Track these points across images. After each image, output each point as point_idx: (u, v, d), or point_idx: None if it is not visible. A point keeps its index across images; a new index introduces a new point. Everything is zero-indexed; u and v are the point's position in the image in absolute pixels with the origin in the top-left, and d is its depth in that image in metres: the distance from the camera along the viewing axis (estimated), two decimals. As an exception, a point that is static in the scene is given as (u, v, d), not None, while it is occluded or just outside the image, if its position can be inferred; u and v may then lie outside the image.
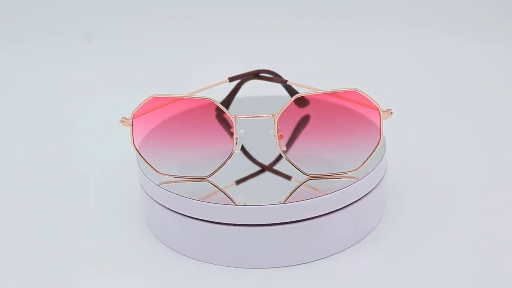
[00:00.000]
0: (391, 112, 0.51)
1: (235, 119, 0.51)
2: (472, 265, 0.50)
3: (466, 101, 0.74)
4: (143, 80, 0.82)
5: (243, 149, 0.55)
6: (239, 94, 0.60)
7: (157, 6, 0.90)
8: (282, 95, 0.61)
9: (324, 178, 0.51)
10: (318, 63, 0.83)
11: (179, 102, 0.53)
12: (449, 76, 0.80)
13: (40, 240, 0.54)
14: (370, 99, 0.50)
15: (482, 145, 0.65)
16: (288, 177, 0.52)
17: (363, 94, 0.50)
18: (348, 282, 0.49)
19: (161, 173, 0.52)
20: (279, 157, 0.54)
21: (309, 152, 0.54)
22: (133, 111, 0.52)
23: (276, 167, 0.54)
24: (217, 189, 0.51)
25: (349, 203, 0.50)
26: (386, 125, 0.52)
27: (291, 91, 0.60)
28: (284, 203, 0.49)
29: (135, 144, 0.52)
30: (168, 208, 0.51)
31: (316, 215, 0.49)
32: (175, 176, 0.52)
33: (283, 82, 0.59)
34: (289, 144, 0.54)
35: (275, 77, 0.60)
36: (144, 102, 0.52)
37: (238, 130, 0.51)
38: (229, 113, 0.51)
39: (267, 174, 0.54)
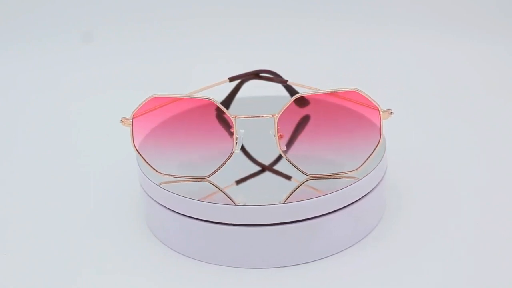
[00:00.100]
0: (391, 112, 0.51)
1: (235, 119, 0.51)
2: (472, 265, 0.50)
3: (466, 101, 0.74)
4: (143, 80, 0.82)
5: (243, 149, 0.55)
6: (239, 94, 0.60)
7: (157, 6, 0.90)
8: (282, 95, 0.61)
9: (324, 178, 0.51)
10: (318, 63, 0.83)
11: (179, 102, 0.53)
12: (449, 76, 0.80)
13: (40, 240, 0.54)
14: (370, 99, 0.50)
15: (482, 145, 0.65)
16: (288, 177, 0.52)
17: (363, 94, 0.50)
18: (348, 282, 0.49)
19: (161, 173, 0.52)
20: (279, 157, 0.54)
21: (309, 152, 0.54)
22: (133, 111, 0.52)
23: (276, 167, 0.54)
24: (217, 189, 0.51)
25: (349, 203, 0.50)
26: (386, 125, 0.52)
27: (291, 91, 0.60)
28: (284, 203, 0.49)
29: (135, 144, 0.52)
30: (168, 208, 0.51)
31: (316, 215, 0.49)
32: (175, 176, 0.52)
33: (283, 82, 0.59)
34: (289, 144, 0.54)
35: (275, 77, 0.60)
36: (144, 102, 0.52)
37: (238, 130, 0.51)
38: (229, 113, 0.51)
39: (267, 174, 0.54)
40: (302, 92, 0.52)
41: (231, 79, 0.60)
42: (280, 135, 0.51)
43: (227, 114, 0.51)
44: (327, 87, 0.53)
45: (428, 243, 0.52)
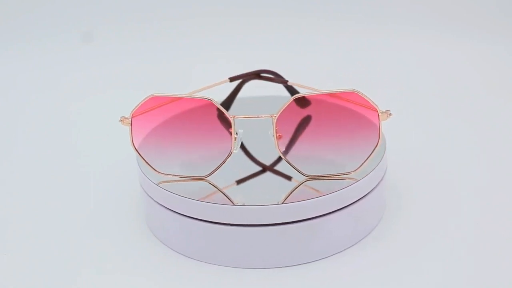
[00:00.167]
0: (389, 114, 0.51)
1: (233, 119, 0.51)
2: (472, 265, 0.50)
3: (466, 101, 0.74)
4: (143, 80, 0.82)
5: (244, 149, 0.55)
6: (240, 94, 0.60)
7: (157, 6, 0.90)
8: (284, 95, 0.61)
9: (322, 179, 0.51)
10: (318, 63, 0.83)
11: (178, 102, 0.53)
12: (449, 76, 0.80)
13: (40, 240, 0.54)
14: (368, 100, 0.50)
15: (482, 145, 0.65)
16: (289, 178, 0.52)
17: (361, 95, 0.50)
18: (348, 282, 0.49)
19: (159, 172, 0.52)
20: (280, 157, 0.54)
21: (308, 153, 0.54)
22: (132, 110, 0.52)
23: (277, 168, 0.54)
24: (216, 189, 0.51)
25: (349, 203, 0.50)
26: (386, 125, 0.52)
27: (292, 91, 0.60)
28: (282, 203, 0.49)
29: (134, 144, 0.52)
30: (168, 208, 0.51)
31: (316, 215, 0.49)
32: (174, 176, 0.52)
33: (284, 83, 0.59)
34: (288, 144, 0.54)
35: (276, 78, 0.60)
36: (143, 102, 0.52)
37: (237, 130, 0.51)
38: (227, 113, 0.51)
39: (268, 174, 0.54)
40: (301, 92, 0.52)
41: (232, 79, 0.60)
42: (279, 135, 0.51)
43: (226, 114, 0.51)
44: (327, 87, 0.53)
45: (428, 243, 0.52)
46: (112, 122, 0.58)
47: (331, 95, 0.52)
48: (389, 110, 0.51)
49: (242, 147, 0.55)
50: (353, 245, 0.52)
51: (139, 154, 0.52)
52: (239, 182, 0.53)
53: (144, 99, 0.51)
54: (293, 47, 0.87)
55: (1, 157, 0.68)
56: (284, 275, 0.49)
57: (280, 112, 0.51)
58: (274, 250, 0.49)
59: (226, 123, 0.52)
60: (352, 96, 0.51)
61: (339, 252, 0.51)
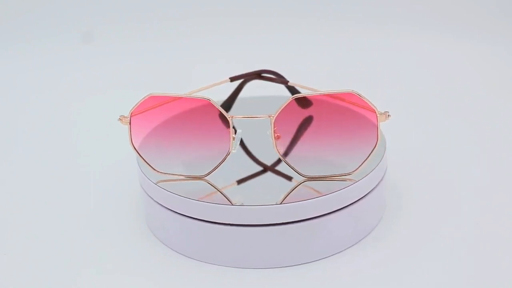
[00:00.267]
0: (388, 115, 0.51)
1: (231, 119, 0.51)
2: (472, 265, 0.50)
3: (466, 101, 0.74)
4: (143, 80, 0.82)
5: (245, 149, 0.55)
6: (241, 94, 0.60)
7: (157, 6, 0.90)
8: (285, 96, 0.61)
9: (320, 180, 0.51)
10: (318, 63, 0.83)
11: (177, 102, 0.53)
12: (449, 76, 0.80)
13: (40, 240, 0.54)
14: (367, 102, 0.50)
15: (482, 145, 0.65)
16: (289, 178, 0.52)
17: (360, 96, 0.50)
18: (348, 282, 0.49)
19: (158, 171, 0.52)
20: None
21: (307, 153, 0.54)
22: (131, 109, 0.52)
23: (277, 168, 0.54)
24: (215, 189, 0.51)
25: (349, 203, 0.50)
26: (386, 125, 0.52)
27: (293, 91, 0.60)
28: (280, 203, 0.49)
29: (133, 143, 0.52)
30: (168, 208, 0.51)
31: (316, 216, 0.49)
32: (173, 175, 0.52)
33: (285, 83, 0.59)
34: (287, 145, 0.54)
35: (277, 78, 0.60)
36: (142, 101, 0.52)
37: (235, 130, 0.51)
38: (226, 113, 0.51)
39: (268, 174, 0.54)
40: (300, 93, 0.52)
41: (233, 79, 0.60)
42: (277, 135, 0.51)
43: (224, 114, 0.51)
44: (327, 88, 0.53)
45: (428, 243, 0.52)
46: (112, 122, 0.58)
47: (329, 95, 0.52)
48: (388, 112, 0.51)
49: (243, 147, 0.55)
50: (353, 245, 0.52)
51: (138, 153, 0.52)
52: (239, 182, 0.53)
53: (142, 98, 0.52)
54: (294, 47, 0.87)
55: (1, 157, 0.68)
56: (284, 275, 0.49)
57: (278, 113, 0.51)
58: (274, 250, 0.49)
59: (225, 123, 0.52)
60: (350, 97, 0.51)
61: (339, 252, 0.51)
